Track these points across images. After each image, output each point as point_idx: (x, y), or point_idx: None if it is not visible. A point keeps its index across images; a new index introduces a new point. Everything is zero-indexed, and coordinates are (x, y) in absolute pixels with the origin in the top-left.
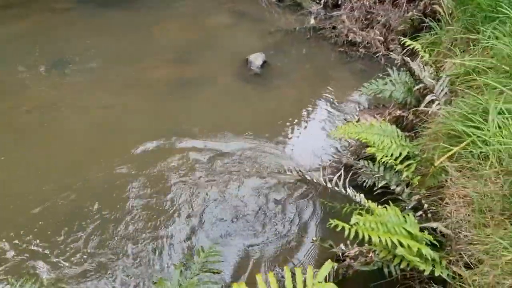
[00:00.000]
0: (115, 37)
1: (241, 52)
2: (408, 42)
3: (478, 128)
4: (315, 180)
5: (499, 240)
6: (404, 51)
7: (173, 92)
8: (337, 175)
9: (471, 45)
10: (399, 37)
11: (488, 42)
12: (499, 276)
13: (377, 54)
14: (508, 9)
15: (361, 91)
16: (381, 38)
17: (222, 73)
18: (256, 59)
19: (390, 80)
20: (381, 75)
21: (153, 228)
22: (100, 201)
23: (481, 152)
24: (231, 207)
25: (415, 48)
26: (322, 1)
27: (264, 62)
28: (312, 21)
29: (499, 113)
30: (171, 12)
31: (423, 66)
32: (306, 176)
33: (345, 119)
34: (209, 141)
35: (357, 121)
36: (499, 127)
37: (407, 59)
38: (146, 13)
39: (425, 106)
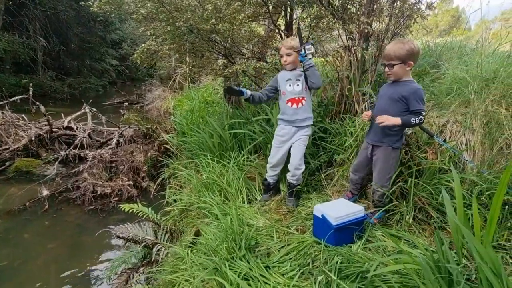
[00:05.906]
0: None
1: None
2: (127, 206)
3: None
4: None
5: None
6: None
7: None
8: None
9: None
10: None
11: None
12: None
13: (133, 198)
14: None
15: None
16: (131, 182)
17: None
18: None
19: (130, 246)
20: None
21: None
22: None
23: None
24: None
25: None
26: (57, 163)
27: None
28: (45, 192)
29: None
30: None
31: (147, 225)
32: None
33: None
34: None
35: None
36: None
37: (123, 234)
38: None
39: (156, 255)
